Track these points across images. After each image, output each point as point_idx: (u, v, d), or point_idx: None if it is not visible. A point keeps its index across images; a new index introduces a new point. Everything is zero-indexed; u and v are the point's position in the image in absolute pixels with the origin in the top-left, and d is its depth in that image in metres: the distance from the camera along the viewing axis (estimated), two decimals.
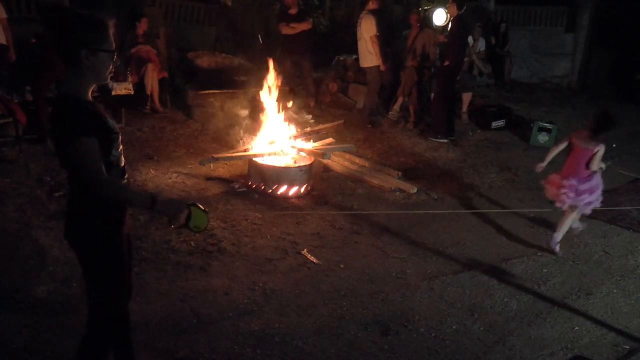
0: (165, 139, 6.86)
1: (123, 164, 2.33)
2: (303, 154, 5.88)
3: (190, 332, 3.24)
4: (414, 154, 7.06)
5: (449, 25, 7.70)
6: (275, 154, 5.77)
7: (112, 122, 2.27)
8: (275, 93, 6.17)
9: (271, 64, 6.19)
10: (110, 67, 2.27)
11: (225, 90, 7.53)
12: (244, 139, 6.28)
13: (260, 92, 6.16)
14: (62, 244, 4.14)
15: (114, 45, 2.25)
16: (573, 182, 4.44)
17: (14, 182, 5.12)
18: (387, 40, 8.66)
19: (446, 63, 7.44)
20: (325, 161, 5.98)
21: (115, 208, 2.29)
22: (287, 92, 7.61)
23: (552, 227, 5.09)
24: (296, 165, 5.60)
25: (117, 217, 2.31)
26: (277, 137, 6.02)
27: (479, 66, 10.30)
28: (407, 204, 5.49)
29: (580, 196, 4.46)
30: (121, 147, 2.32)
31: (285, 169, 5.51)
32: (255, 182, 5.46)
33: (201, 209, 2.32)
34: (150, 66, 7.55)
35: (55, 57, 6.64)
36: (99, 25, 2.19)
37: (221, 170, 5.94)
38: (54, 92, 6.42)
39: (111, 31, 2.26)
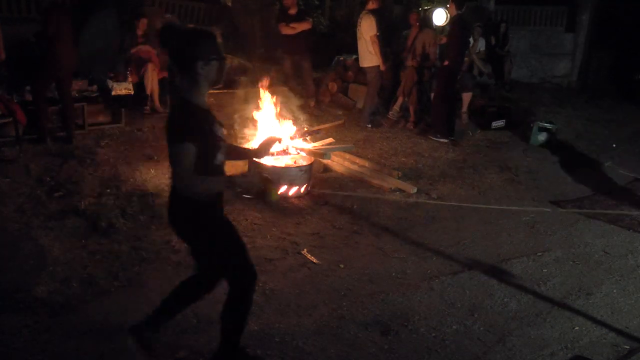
0: (165, 139, 6.84)
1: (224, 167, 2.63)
2: (303, 154, 5.88)
3: (190, 332, 3.24)
4: (414, 154, 7.06)
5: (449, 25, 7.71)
6: (275, 153, 5.77)
7: (220, 129, 2.56)
8: (274, 93, 6.17)
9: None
10: (223, 71, 2.53)
11: (225, 90, 7.53)
12: (244, 138, 6.28)
13: (260, 92, 6.16)
14: (62, 244, 4.15)
15: (222, 52, 2.50)
16: None
17: (14, 182, 5.12)
18: (387, 40, 8.66)
19: (446, 63, 7.44)
20: (325, 161, 5.97)
21: (208, 197, 2.55)
22: (286, 92, 7.62)
23: (552, 227, 5.10)
24: (296, 165, 5.60)
25: (210, 203, 2.58)
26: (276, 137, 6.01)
27: (479, 66, 10.29)
28: (407, 204, 5.48)
29: None
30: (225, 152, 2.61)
31: (285, 169, 5.51)
32: None
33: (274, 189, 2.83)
34: (150, 66, 7.55)
35: (55, 57, 6.63)
36: (208, 37, 2.49)
37: None
38: (54, 92, 6.43)
39: (219, 40, 2.53)
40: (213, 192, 2.58)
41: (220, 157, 2.56)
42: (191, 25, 2.58)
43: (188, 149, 2.39)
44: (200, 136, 2.43)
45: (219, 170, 2.58)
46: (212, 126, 2.51)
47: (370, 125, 7.97)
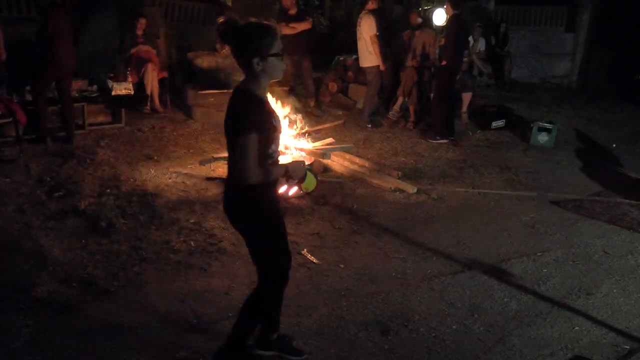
0: (165, 139, 6.86)
1: (278, 157, 2.66)
2: (303, 153, 5.87)
3: (190, 332, 3.24)
4: (414, 154, 7.06)
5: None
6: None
7: (277, 120, 2.59)
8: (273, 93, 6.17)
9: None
10: (283, 66, 2.57)
11: (225, 90, 7.53)
12: None
13: None
14: (62, 244, 4.15)
15: (280, 47, 2.51)
16: None
17: (14, 182, 5.13)
18: (387, 40, 8.66)
19: (444, 63, 7.44)
20: (325, 161, 5.97)
21: (264, 188, 2.57)
22: (285, 92, 7.62)
23: (552, 226, 5.10)
24: None
25: (267, 193, 2.61)
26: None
27: (479, 66, 10.31)
28: (407, 204, 5.48)
29: None
30: (279, 142, 2.65)
31: None
32: None
33: (314, 176, 2.87)
34: (150, 66, 7.56)
35: (55, 57, 6.61)
36: (266, 32, 2.49)
37: (221, 170, 5.93)
38: (54, 92, 6.43)
39: (279, 35, 2.52)
40: (269, 182, 2.59)
41: (273, 147, 2.58)
42: (251, 20, 2.53)
43: (253, 139, 2.42)
44: (261, 127, 2.46)
45: (272, 160, 2.59)
46: (270, 117, 2.53)
47: (370, 125, 7.97)
